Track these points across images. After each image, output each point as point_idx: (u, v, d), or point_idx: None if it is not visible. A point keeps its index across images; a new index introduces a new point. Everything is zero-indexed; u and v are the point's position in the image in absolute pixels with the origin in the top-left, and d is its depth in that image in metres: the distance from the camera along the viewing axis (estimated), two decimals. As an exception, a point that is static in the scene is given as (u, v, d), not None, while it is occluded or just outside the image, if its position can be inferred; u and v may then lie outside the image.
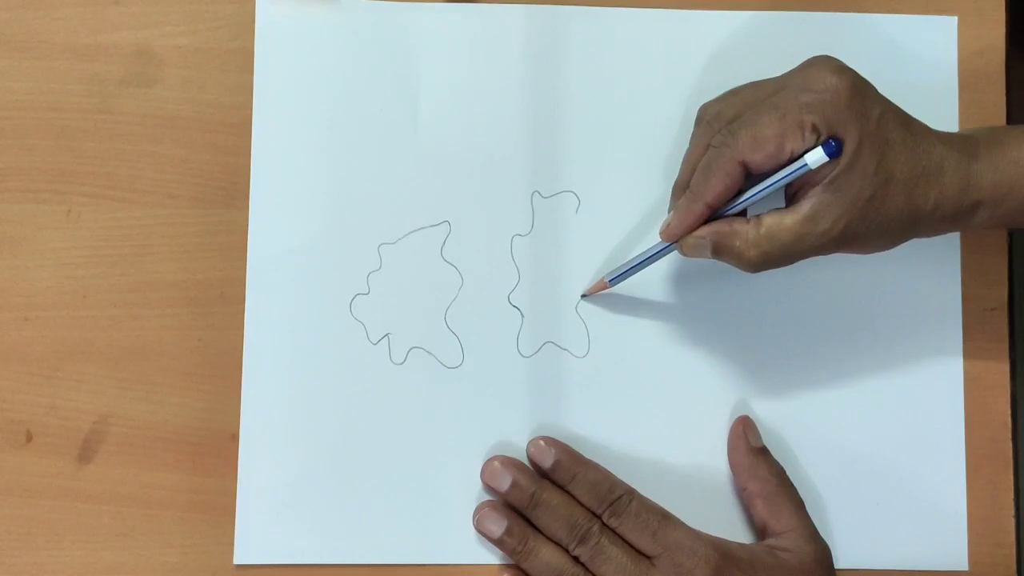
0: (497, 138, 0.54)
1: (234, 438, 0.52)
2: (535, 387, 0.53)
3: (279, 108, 0.54)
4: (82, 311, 0.53)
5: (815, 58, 0.47)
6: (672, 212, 0.49)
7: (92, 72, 0.54)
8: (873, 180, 0.45)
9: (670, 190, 0.52)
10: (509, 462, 0.51)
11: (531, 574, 0.50)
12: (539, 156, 0.54)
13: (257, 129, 0.54)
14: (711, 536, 0.50)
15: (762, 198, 0.47)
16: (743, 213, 0.48)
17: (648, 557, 0.49)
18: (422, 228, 0.54)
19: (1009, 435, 0.54)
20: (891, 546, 0.53)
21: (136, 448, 0.52)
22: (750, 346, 0.54)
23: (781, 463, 0.52)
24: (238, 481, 0.52)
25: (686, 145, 0.50)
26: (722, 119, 0.48)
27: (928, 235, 0.49)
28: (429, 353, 0.53)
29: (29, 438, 0.52)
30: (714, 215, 0.48)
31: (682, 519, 0.50)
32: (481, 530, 0.51)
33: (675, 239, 0.49)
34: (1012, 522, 0.53)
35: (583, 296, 0.53)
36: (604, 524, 0.50)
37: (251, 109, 0.54)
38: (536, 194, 0.54)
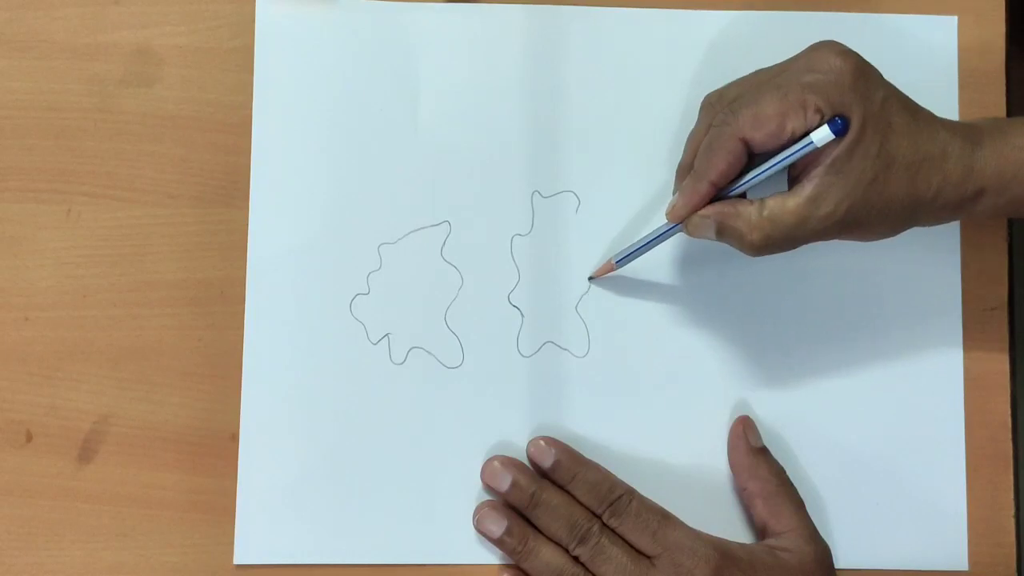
0: (497, 138, 0.54)
1: (234, 438, 0.52)
2: (535, 387, 0.53)
3: (279, 108, 0.54)
4: (82, 311, 0.53)
5: (819, 42, 0.47)
6: (677, 193, 0.49)
7: (92, 72, 0.54)
8: (876, 162, 0.45)
9: (670, 190, 0.52)
10: (509, 462, 0.51)
11: (531, 574, 0.50)
12: (539, 156, 0.54)
13: (257, 129, 0.54)
14: (711, 536, 0.50)
15: (766, 178, 0.47)
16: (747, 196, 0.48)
17: (648, 557, 0.49)
18: (422, 228, 0.54)
19: (1009, 435, 0.54)
20: (891, 546, 0.53)
21: (136, 448, 0.52)
22: (750, 347, 0.54)
23: (781, 463, 0.52)
24: (238, 481, 0.52)
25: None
26: (724, 100, 0.48)
27: (930, 223, 0.48)
28: (429, 353, 0.53)
29: (29, 438, 0.52)
30: (719, 196, 0.48)
31: (682, 519, 0.50)
32: (481, 530, 0.51)
33: (680, 219, 0.49)
34: (1012, 522, 0.53)
35: (590, 279, 0.53)
36: (604, 524, 0.50)
37: (251, 109, 0.54)
38: (536, 194, 0.54)
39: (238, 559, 0.52)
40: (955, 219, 0.49)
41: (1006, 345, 0.54)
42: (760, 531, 0.52)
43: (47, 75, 0.54)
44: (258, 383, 0.52)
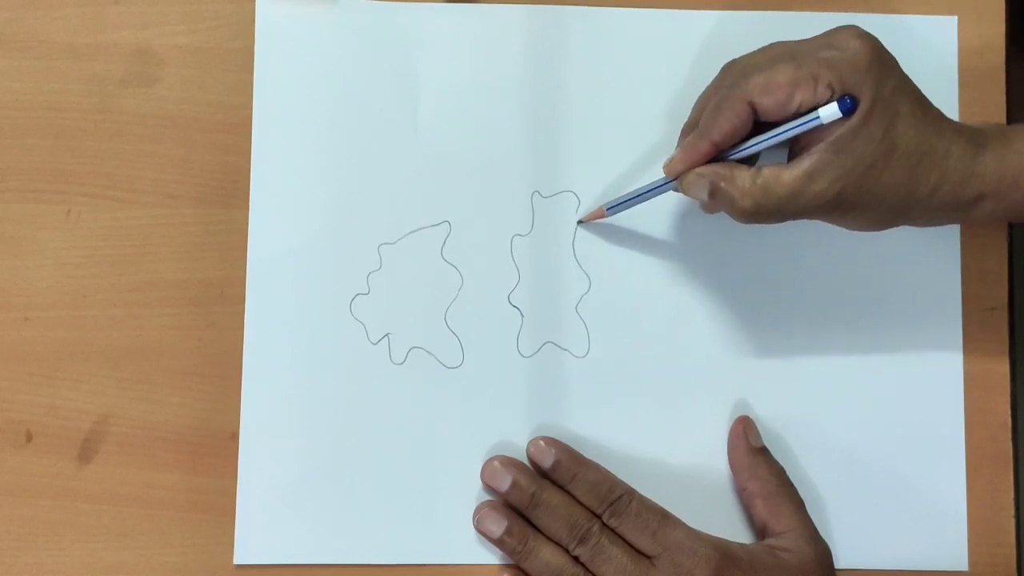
0: (497, 138, 0.54)
1: (234, 438, 0.52)
2: (535, 387, 0.53)
3: (279, 108, 0.54)
4: (82, 311, 0.53)
5: (842, 25, 0.47)
6: (677, 148, 0.49)
7: (92, 72, 0.54)
8: (877, 148, 0.45)
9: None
10: (509, 462, 0.52)
11: (531, 574, 0.50)
12: (539, 156, 0.54)
13: (257, 129, 0.54)
14: (711, 536, 0.50)
15: (768, 147, 0.47)
16: (748, 162, 0.48)
17: (648, 557, 0.49)
18: (422, 228, 0.54)
19: (1009, 435, 0.54)
20: (891, 546, 0.53)
21: (136, 448, 0.52)
22: (750, 347, 0.54)
23: (781, 463, 0.52)
24: (238, 481, 0.52)
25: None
26: (737, 66, 0.48)
27: (924, 223, 0.48)
28: (429, 353, 0.53)
29: (29, 438, 0.52)
30: (718, 157, 0.48)
31: (682, 519, 0.50)
32: (481, 530, 0.51)
33: (677, 174, 0.49)
34: (1012, 522, 0.53)
35: (579, 222, 0.53)
36: (604, 524, 0.50)
37: (251, 109, 0.54)
38: (536, 194, 0.54)
39: (238, 559, 0.52)
40: (951, 222, 0.49)
41: (1006, 345, 0.54)
42: (760, 531, 0.52)
43: (47, 75, 0.54)
44: (258, 383, 0.52)
